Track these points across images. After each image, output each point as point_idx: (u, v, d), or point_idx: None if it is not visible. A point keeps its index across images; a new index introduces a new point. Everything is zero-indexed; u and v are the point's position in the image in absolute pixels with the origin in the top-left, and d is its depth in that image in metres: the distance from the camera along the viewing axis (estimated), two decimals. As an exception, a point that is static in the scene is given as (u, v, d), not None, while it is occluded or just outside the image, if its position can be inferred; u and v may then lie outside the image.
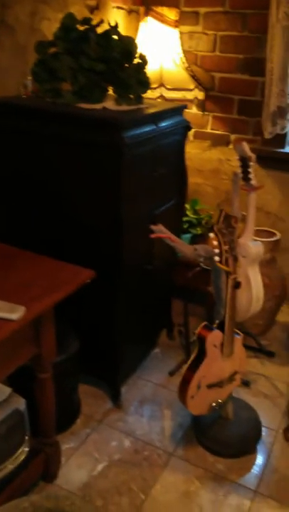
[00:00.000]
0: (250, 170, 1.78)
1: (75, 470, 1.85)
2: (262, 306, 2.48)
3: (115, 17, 2.52)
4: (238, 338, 1.76)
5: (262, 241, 2.52)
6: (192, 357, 1.70)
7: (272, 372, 2.45)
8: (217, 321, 1.69)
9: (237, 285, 1.61)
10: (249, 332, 2.62)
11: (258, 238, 2.54)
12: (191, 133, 2.92)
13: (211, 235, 1.50)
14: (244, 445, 1.95)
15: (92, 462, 1.88)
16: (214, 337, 1.65)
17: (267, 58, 2.51)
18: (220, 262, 1.53)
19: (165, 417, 2.12)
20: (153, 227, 1.67)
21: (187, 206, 2.69)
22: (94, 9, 2.35)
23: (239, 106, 2.77)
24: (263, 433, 2.06)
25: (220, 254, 1.53)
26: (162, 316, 2.54)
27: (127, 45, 1.82)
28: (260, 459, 1.95)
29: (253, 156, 1.77)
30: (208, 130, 2.89)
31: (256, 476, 1.87)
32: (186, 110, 2.82)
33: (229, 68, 2.71)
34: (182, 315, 2.50)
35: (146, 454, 1.94)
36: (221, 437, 1.94)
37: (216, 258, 1.53)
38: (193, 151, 2.96)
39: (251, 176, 1.79)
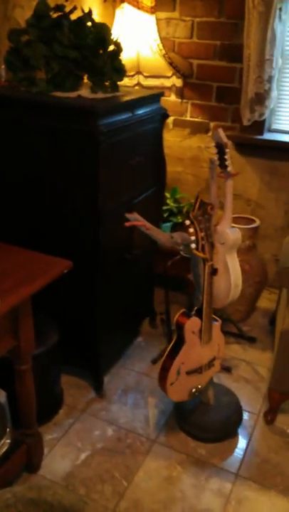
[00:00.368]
0: (226, 157, 1.78)
1: (59, 460, 1.86)
2: (241, 292, 2.51)
3: (91, 4, 2.48)
4: (216, 324, 1.78)
5: (241, 228, 2.54)
6: (171, 344, 1.71)
7: (253, 357, 2.49)
8: (195, 308, 1.70)
9: (214, 271, 1.61)
10: (230, 318, 2.64)
11: (237, 225, 2.56)
12: (170, 121, 2.91)
13: (187, 222, 1.50)
14: (225, 429, 1.97)
15: (75, 452, 1.89)
16: (192, 324, 1.66)
17: (244, 44, 2.50)
18: (196, 249, 1.54)
19: (148, 405, 2.14)
20: (128, 215, 1.67)
21: (167, 195, 2.69)
22: (68, -5, 2.31)
23: (217, 93, 2.76)
24: (245, 417, 2.09)
25: (196, 242, 1.53)
26: (144, 304, 2.55)
27: (101, 32, 1.80)
28: (241, 443, 1.99)
29: (228, 142, 1.77)
30: (188, 118, 2.88)
31: (237, 460, 1.90)
32: (165, 98, 2.81)
33: (207, 55, 2.69)
34: (164, 303, 2.51)
35: (129, 442, 1.95)
36: (202, 423, 1.96)
37: (193, 245, 1.53)
38: (173, 139, 2.95)
39: (228, 162, 1.79)
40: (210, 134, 2.85)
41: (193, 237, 1.52)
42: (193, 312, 1.70)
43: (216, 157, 1.83)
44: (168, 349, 1.71)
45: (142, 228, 1.63)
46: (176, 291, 2.69)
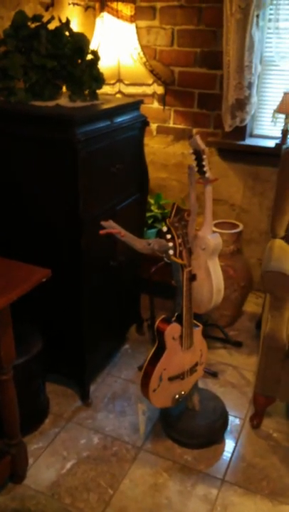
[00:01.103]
0: (204, 163, 1.80)
1: (44, 469, 1.84)
2: (226, 297, 2.52)
3: (71, 13, 2.50)
4: (198, 330, 1.78)
5: (225, 233, 2.56)
6: (152, 350, 1.71)
7: (239, 361, 2.49)
8: (176, 314, 1.71)
9: (192, 277, 1.62)
10: (216, 323, 2.65)
11: (221, 230, 2.58)
12: (154, 127, 2.93)
13: (164, 228, 1.51)
14: (211, 435, 1.97)
15: (61, 461, 1.88)
16: (172, 330, 1.67)
17: (223, 51, 2.53)
18: (174, 255, 1.54)
19: (134, 412, 2.13)
20: (103, 223, 1.67)
21: (151, 201, 2.70)
22: (49, 6, 2.33)
23: (199, 99, 2.78)
24: (231, 422, 2.09)
25: (174, 248, 1.54)
26: (131, 311, 2.55)
27: (79, 42, 1.81)
28: (227, 448, 1.98)
29: (205, 148, 1.79)
30: (171, 125, 2.90)
31: (224, 465, 1.90)
32: (148, 105, 2.84)
33: (188, 62, 2.72)
34: (150, 309, 2.51)
35: (115, 450, 1.95)
36: (188, 429, 1.96)
37: (171, 251, 1.54)
38: (157, 146, 2.97)
39: (206, 168, 1.81)
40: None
41: (170, 244, 1.53)
42: (174, 318, 1.70)
43: (194, 163, 1.84)
44: (149, 355, 1.71)
45: (118, 235, 1.63)
46: (162, 297, 2.69)
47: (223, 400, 2.15)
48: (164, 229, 1.51)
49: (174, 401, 1.81)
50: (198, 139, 1.79)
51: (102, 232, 1.64)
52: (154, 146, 2.96)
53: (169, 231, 1.52)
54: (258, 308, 2.88)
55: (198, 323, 1.79)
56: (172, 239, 1.52)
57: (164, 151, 2.97)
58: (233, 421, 2.11)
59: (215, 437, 1.98)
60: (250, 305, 2.95)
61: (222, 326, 2.68)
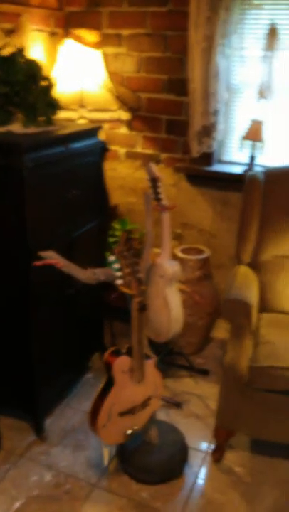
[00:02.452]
0: (159, 190, 1.77)
1: (-9, 509, 1.75)
2: (193, 324, 2.47)
3: (35, 40, 2.50)
4: (150, 362, 1.72)
5: (190, 259, 2.52)
6: (101, 385, 1.65)
7: (205, 391, 2.43)
8: (127, 346, 1.65)
9: (142, 308, 1.57)
10: (181, 351, 2.59)
11: (187, 256, 2.55)
12: (122, 153, 2.92)
13: (111, 258, 1.47)
14: (169, 470, 1.90)
15: (9, 501, 1.79)
16: (121, 363, 1.61)
17: (189, 78, 2.54)
18: (123, 285, 1.50)
19: (91, 447, 2.05)
20: (42, 253, 1.60)
21: (117, 226, 2.66)
22: (11, 32, 2.33)
23: (167, 125, 2.78)
24: (192, 455, 2.02)
25: (123, 277, 1.49)
26: (93, 339, 2.48)
27: (32, 68, 1.80)
28: (187, 483, 1.91)
29: (160, 176, 1.76)
30: (139, 150, 2.89)
31: (181, 502, 1.82)
32: (115, 130, 2.83)
33: (155, 89, 2.73)
34: (110, 337, 2.45)
35: (67, 487, 1.86)
36: (145, 464, 1.89)
37: (119, 281, 1.49)
38: (126, 171, 2.96)
39: (161, 196, 1.78)
40: (161, 165, 2.86)
41: (119, 273, 1.49)
42: (125, 350, 1.64)
43: (150, 190, 1.82)
44: (98, 390, 1.65)
45: (56, 266, 1.57)
46: (123, 323, 2.63)
47: (186, 431, 2.08)
48: (111, 258, 1.47)
49: (126, 437, 1.74)
50: (152, 166, 1.77)
51: (37, 263, 1.58)
52: (123, 171, 2.95)
53: (117, 260, 1.48)
54: (228, 334, 2.83)
55: (152, 355, 1.73)
56: (121, 268, 1.48)
57: (132, 176, 2.95)
58: (195, 454, 2.04)
59: (173, 472, 1.91)
60: (220, 331, 2.90)
61: (189, 353, 2.62)
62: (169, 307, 1.89)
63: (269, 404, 1.84)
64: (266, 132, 2.53)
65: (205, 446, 2.09)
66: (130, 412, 1.70)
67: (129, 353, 1.63)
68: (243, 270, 2.27)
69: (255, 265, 2.30)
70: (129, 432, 1.73)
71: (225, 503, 1.83)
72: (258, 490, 1.89)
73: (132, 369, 1.63)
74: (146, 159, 2.89)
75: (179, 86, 2.66)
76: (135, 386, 1.68)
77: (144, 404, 1.74)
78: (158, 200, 1.79)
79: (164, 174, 2.81)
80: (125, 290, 1.52)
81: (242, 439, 2.11)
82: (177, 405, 2.28)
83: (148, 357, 1.71)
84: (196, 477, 1.94)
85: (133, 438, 1.78)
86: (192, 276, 2.54)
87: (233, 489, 1.89)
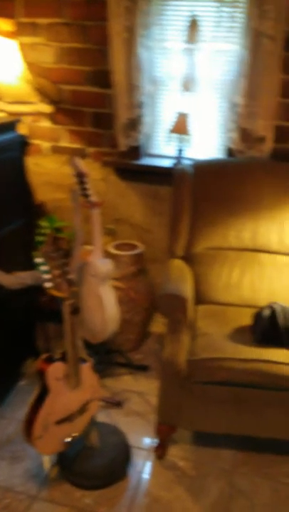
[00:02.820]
0: (86, 186, 1.70)
1: None
2: (130, 320, 2.43)
3: None
4: (86, 366, 1.66)
5: (124, 255, 2.48)
6: (34, 394, 1.56)
7: (145, 387, 2.40)
8: (61, 351, 1.58)
9: (75, 311, 1.50)
10: (119, 349, 2.55)
11: (119, 252, 2.50)
12: (46, 147, 2.80)
13: (38, 260, 1.39)
14: (112, 473, 1.85)
15: None
16: (55, 370, 1.53)
17: (112, 70, 2.48)
18: (52, 287, 1.42)
19: (29, 457, 1.95)
20: None
21: (45, 224, 2.56)
22: None
23: (92, 119, 2.70)
24: (135, 454, 1.99)
25: (51, 280, 1.42)
26: (25, 344, 2.37)
27: None
28: (131, 484, 1.88)
29: (87, 172, 1.69)
30: (64, 144, 2.79)
31: (126, 504, 1.79)
32: (38, 123, 2.71)
33: (77, 80, 2.64)
34: (44, 340, 2.35)
35: (6, 502, 1.76)
36: (87, 469, 1.83)
37: (48, 284, 1.41)
38: (51, 166, 2.85)
39: (89, 192, 1.71)
40: (88, 159, 2.78)
41: (47, 276, 1.41)
42: (58, 356, 1.57)
43: (77, 187, 1.75)
44: (31, 400, 1.56)
45: None
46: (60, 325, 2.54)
47: (128, 430, 2.05)
48: (38, 260, 1.39)
49: (65, 445, 1.67)
50: (77, 161, 1.69)
51: None
52: (48, 166, 2.83)
53: (44, 262, 1.40)
54: (165, 328, 2.82)
55: (87, 358, 1.67)
56: (49, 270, 1.40)
57: (58, 172, 2.84)
58: (138, 453, 2.01)
59: (117, 475, 1.87)
60: (157, 325, 2.89)
61: (127, 350, 2.59)
62: (104, 306, 1.83)
63: (209, 396, 1.84)
64: (192, 125, 2.53)
65: (147, 443, 2.06)
66: (68, 419, 1.63)
67: (63, 358, 1.56)
68: (177, 264, 2.26)
69: (188, 258, 2.30)
70: (68, 439, 1.66)
71: (171, 499, 1.82)
72: (203, 482, 1.90)
73: (67, 375, 1.56)
74: (72, 153, 2.80)
75: (103, 78, 2.59)
76: (71, 392, 1.61)
77: (83, 409, 1.68)
78: (86, 196, 1.73)
79: (92, 169, 2.74)
80: (55, 293, 1.44)
81: (184, 433, 2.11)
82: (118, 404, 2.24)
83: (84, 360, 1.64)
84: (141, 476, 1.91)
85: (73, 445, 1.72)
86: (126, 272, 2.50)
87: (178, 485, 1.88)
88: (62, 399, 1.58)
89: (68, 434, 1.67)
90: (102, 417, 2.12)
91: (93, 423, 1.83)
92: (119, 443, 1.92)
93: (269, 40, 2.24)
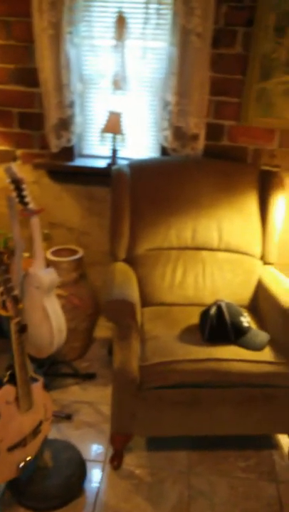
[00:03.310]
0: (24, 193, 1.60)
1: None
2: (75, 328, 2.35)
3: None
4: (37, 385, 1.57)
5: (64, 261, 2.38)
6: (-17, 421, 1.45)
7: (94, 396, 2.34)
8: (8, 373, 1.47)
9: (22, 329, 1.40)
10: (65, 359, 2.46)
11: (59, 258, 2.40)
12: (-28, 151, 2.63)
13: (-21, 278, 1.27)
14: (69, 491, 1.77)
15: None
16: (4, 394, 1.43)
17: (39, 68, 2.36)
18: (-4, 307, 1.32)
19: (-23, 485, 1.83)
20: None
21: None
22: None
23: (19, 119, 2.57)
24: (90, 468, 1.92)
25: (-5, 298, 1.31)
26: None
27: None
28: (89, 500, 1.81)
29: (23, 178, 1.59)
30: (-9, 146, 2.63)
31: (86, 523, 1.72)
32: None
33: (1, 79, 2.49)
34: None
35: None
36: (41, 491, 1.74)
37: (-10, 303, 1.31)
38: (-22, 171, 2.67)
39: (27, 199, 1.61)
40: (18, 162, 2.64)
41: (-11, 294, 1.30)
42: (6, 378, 1.46)
43: (14, 194, 1.64)
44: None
45: None
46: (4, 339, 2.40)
47: (81, 443, 1.98)
48: (-22, 278, 1.28)
49: (19, 470, 1.56)
50: (13, 167, 1.58)
51: None
52: (-25, 170, 2.66)
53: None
54: (109, 332, 2.77)
55: (37, 377, 1.57)
56: (-10, 288, 1.29)
57: (-13, 176, 2.68)
58: (93, 466, 1.94)
59: (73, 492, 1.80)
60: (101, 330, 2.82)
61: (73, 359, 2.50)
62: (50, 319, 1.74)
63: (163, 400, 1.82)
64: (125, 124, 2.49)
65: (102, 455, 2.00)
66: (21, 444, 1.53)
67: (12, 380, 1.45)
68: (120, 267, 2.21)
69: (131, 260, 2.26)
70: (22, 464, 1.56)
71: (131, 509, 1.78)
72: (161, 488, 1.88)
73: (17, 398, 1.46)
74: (0, 156, 2.65)
75: (29, 76, 2.47)
76: (23, 415, 1.51)
77: (36, 431, 1.58)
78: (24, 204, 1.62)
79: (23, 171, 2.61)
80: (0, 312, 1.33)
81: (138, 439, 2.08)
82: (67, 417, 2.16)
83: (34, 380, 1.55)
84: (98, 490, 1.85)
85: (25, 470, 1.62)
86: (68, 278, 2.41)
87: (136, 494, 1.85)
88: (14, 423, 1.48)
89: (22, 459, 1.57)
90: (53, 433, 2.03)
91: (45, 442, 1.74)
92: (73, 458, 1.85)
93: (197, 38, 2.24)
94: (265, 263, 2.32)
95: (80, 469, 1.82)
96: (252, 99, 2.37)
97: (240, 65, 2.33)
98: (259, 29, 2.23)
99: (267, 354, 1.89)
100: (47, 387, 1.65)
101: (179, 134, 2.44)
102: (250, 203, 2.29)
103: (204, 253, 2.29)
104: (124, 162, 2.43)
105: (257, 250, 2.30)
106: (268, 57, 2.27)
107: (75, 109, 2.47)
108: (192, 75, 2.31)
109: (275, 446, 2.10)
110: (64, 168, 2.60)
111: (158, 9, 2.27)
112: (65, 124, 2.48)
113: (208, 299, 2.18)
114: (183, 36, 2.25)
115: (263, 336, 1.96)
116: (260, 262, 2.31)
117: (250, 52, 2.28)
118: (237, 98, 2.39)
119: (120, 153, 2.55)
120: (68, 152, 2.59)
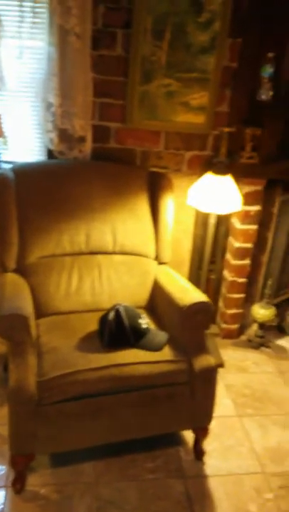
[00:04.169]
0: None
1: None
2: None
3: None
4: None
5: None
6: None
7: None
8: None
9: None
10: None
11: None
12: None
13: None
14: None
15: None
16: None
17: None
18: None
19: None
20: None
21: None
22: None
23: None
24: (-9, 498, 1.79)
25: None
26: None
27: None
28: (-8, 533, 1.68)
29: None
30: None
31: None
32: None
33: None
34: None
35: None
36: None
37: None
38: None
39: None
40: None
41: None
42: None
43: None
44: None
45: None
46: None
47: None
48: None
49: None
50: None
51: None
52: None
53: None
54: (4, 347, 2.60)
55: None
56: None
57: None
58: (-7, 495, 1.81)
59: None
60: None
61: None
62: None
63: (65, 414, 1.75)
64: (7, 126, 2.35)
65: (3, 479, 1.87)
66: None
67: None
68: (11, 278, 2.09)
69: (22, 270, 2.14)
70: None
71: (39, 534, 1.68)
72: (70, 504, 1.81)
73: None
74: None
75: None
76: None
77: None
78: None
79: None
80: None
81: (41, 457, 1.97)
82: None
83: None
84: (1, 520, 1.72)
85: None
86: None
87: (44, 514, 1.75)
88: None
89: None
90: None
91: None
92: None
93: (76, 38, 2.19)
94: (160, 263, 2.35)
95: (-22, 501, 1.68)
96: (136, 102, 2.38)
97: (121, 67, 2.33)
98: (138, 32, 2.24)
99: (166, 353, 1.91)
100: None
101: (64, 136, 2.37)
102: (142, 205, 2.30)
103: (100, 257, 2.26)
104: (8, 166, 2.30)
105: (151, 251, 2.32)
106: (148, 60, 2.30)
107: None
108: (74, 76, 2.26)
109: (181, 442, 2.13)
110: None
111: (33, 7, 2.18)
112: None
113: (107, 304, 2.14)
114: (61, 36, 2.18)
115: (161, 336, 1.98)
116: (154, 262, 2.33)
117: (131, 55, 2.29)
118: (122, 100, 2.39)
119: (2, 157, 2.41)
120: None
